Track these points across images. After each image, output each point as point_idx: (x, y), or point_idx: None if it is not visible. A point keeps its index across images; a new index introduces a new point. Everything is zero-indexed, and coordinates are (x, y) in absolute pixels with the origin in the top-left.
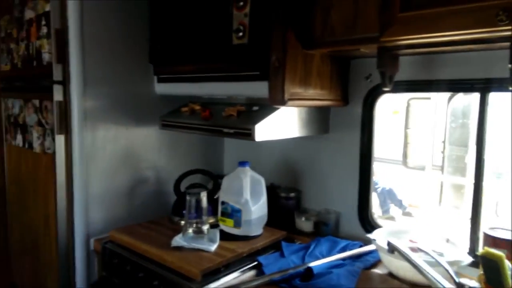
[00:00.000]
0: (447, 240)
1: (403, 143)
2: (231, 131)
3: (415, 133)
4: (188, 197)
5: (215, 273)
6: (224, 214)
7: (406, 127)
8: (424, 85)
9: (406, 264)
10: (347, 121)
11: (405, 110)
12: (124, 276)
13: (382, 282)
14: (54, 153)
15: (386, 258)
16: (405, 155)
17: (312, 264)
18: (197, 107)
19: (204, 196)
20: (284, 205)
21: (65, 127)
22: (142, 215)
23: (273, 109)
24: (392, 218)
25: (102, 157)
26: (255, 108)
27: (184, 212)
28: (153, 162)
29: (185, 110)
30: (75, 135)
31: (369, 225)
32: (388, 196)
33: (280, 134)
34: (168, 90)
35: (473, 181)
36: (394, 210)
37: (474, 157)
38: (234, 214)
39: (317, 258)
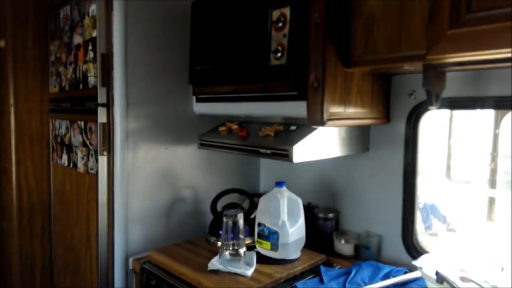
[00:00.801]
0: (502, 269)
1: (446, 154)
2: (268, 151)
3: (459, 145)
4: (225, 219)
5: None
6: (260, 236)
7: (450, 137)
8: (471, 102)
9: None
10: (389, 138)
11: (448, 119)
12: None
13: None
14: (97, 173)
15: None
16: (448, 168)
17: None
18: (235, 127)
19: (241, 218)
20: (322, 226)
21: (108, 148)
22: (180, 234)
23: (312, 129)
24: (435, 235)
25: (142, 177)
26: (293, 127)
27: (220, 232)
28: (190, 181)
29: (223, 129)
30: (117, 155)
31: (414, 249)
32: (431, 212)
33: (318, 155)
34: (206, 110)
35: None
36: (437, 226)
37: None
38: (271, 236)
39: (359, 285)
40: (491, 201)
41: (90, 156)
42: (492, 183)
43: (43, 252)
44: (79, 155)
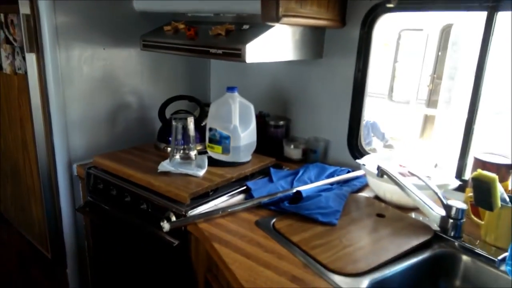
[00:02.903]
0: (435, 165)
1: (391, 76)
2: (219, 51)
3: (403, 67)
4: (174, 123)
5: (204, 197)
6: (212, 141)
7: (395, 60)
8: (430, 2)
9: (394, 188)
10: (343, 44)
11: (395, 42)
12: (110, 200)
13: (368, 204)
14: (26, 73)
15: (374, 182)
16: (391, 89)
17: (300, 188)
18: (181, 26)
19: (191, 122)
20: (273, 133)
21: (36, 45)
22: (126, 142)
23: (265, 28)
24: (373, 150)
25: (79, 80)
26: (246, 26)
27: (170, 139)
28: (134, 87)
29: (168, 29)
30: (47, 54)
31: (358, 152)
32: (372, 129)
33: (272, 56)
34: (148, 6)
35: (467, 107)
36: (376, 142)
37: (472, 82)
38: (222, 140)
39: (306, 183)
40: (426, 119)
41: (16, 54)
42: (429, 103)
43: None
44: (3, 53)
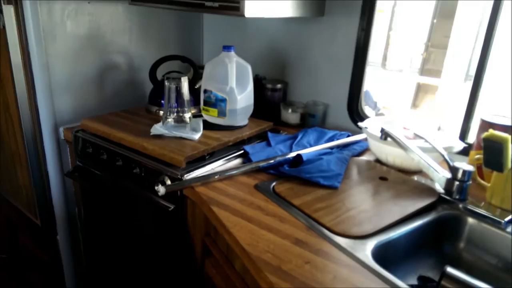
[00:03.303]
0: (438, 128)
1: (385, 45)
2: (215, 4)
3: (397, 35)
4: (167, 83)
5: (200, 161)
6: (207, 103)
7: (390, 28)
8: None
9: (397, 150)
10: (346, 1)
11: (391, 9)
12: (100, 165)
13: (370, 167)
14: (4, 27)
15: (376, 145)
16: (385, 57)
17: (301, 152)
18: None
19: (185, 82)
20: (269, 97)
21: None
22: (115, 105)
23: None
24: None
25: (63, 36)
26: None
27: (163, 102)
28: (123, 46)
29: None
30: (27, 6)
31: (358, 117)
32: (364, 98)
33: (271, 11)
34: None
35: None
36: (368, 111)
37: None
38: (218, 103)
39: (305, 147)
40: (419, 88)
41: None
42: (422, 71)
43: None
44: None
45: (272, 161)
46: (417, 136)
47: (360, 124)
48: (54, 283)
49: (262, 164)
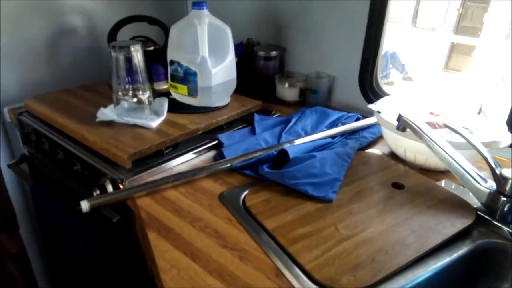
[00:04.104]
0: (479, 111)
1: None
2: None
3: None
4: (113, 53)
5: (156, 157)
6: (175, 78)
7: None
8: None
9: (419, 145)
10: None
11: None
12: (44, 156)
13: (382, 167)
14: None
15: (392, 136)
16: (415, 14)
17: (288, 146)
18: None
19: (137, 51)
20: (262, 68)
21: None
22: (74, 79)
23: None
24: (391, 84)
25: None
26: None
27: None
28: (80, 5)
29: None
30: None
31: (373, 92)
32: (391, 60)
33: None
34: None
35: None
36: (394, 75)
37: None
38: (187, 78)
39: (299, 136)
40: (452, 48)
41: None
42: (457, 29)
43: None
44: None
45: (250, 157)
46: (447, 126)
47: (370, 106)
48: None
49: (235, 162)
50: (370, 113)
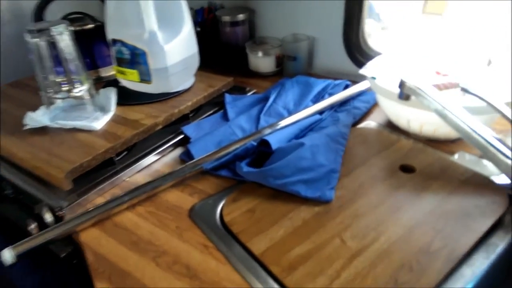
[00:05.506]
0: (489, 63)
1: None
2: None
3: None
4: (31, 39)
5: (103, 169)
6: (120, 61)
7: None
8: None
9: (426, 115)
10: None
11: None
12: None
13: (385, 145)
14: None
15: (391, 106)
16: None
17: (268, 134)
18: None
19: (61, 34)
20: (230, 36)
21: None
22: (5, 73)
23: None
24: (368, 35)
25: None
26: None
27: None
28: None
29: None
30: None
31: (360, 53)
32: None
33: None
34: None
35: None
36: (371, 26)
37: None
38: (136, 60)
39: (280, 116)
40: None
41: None
42: None
43: None
44: None
45: (223, 153)
46: (465, 90)
47: (362, 71)
48: None
49: (206, 162)
50: (360, 77)
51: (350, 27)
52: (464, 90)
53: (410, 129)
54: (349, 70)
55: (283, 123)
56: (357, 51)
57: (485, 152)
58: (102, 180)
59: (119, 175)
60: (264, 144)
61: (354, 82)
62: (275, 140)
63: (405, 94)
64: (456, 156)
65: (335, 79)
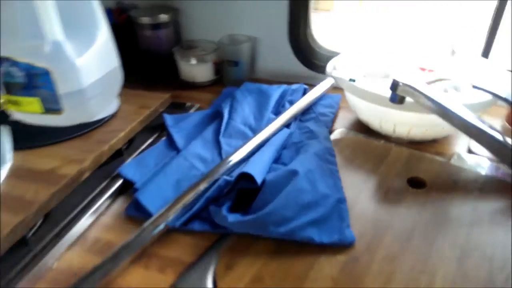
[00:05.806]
0: (452, 52)
1: None
2: None
3: None
4: None
5: (14, 253)
6: (11, 87)
7: None
8: None
9: (418, 117)
10: None
11: None
12: None
13: (378, 157)
14: None
15: (374, 110)
16: None
17: (247, 166)
18: None
19: None
20: (151, 41)
21: None
22: None
23: None
24: None
25: None
26: None
27: None
28: None
29: None
30: None
31: (309, 51)
32: None
33: None
34: None
35: None
36: None
37: None
38: (34, 83)
39: (245, 137)
40: None
41: None
42: None
43: None
44: None
45: (191, 201)
46: (476, 87)
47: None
48: None
49: (170, 218)
50: (312, 79)
51: (297, 24)
52: (478, 88)
53: (394, 133)
54: (298, 72)
55: (250, 145)
56: (306, 50)
57: (490, 149)
58: (14, 276)
59: (39, 263)
60: (243, 177)
61: (308, 84)
62: (257, 171)
63: (399, 96)
64: (452, 161)
65: (288, 83)
